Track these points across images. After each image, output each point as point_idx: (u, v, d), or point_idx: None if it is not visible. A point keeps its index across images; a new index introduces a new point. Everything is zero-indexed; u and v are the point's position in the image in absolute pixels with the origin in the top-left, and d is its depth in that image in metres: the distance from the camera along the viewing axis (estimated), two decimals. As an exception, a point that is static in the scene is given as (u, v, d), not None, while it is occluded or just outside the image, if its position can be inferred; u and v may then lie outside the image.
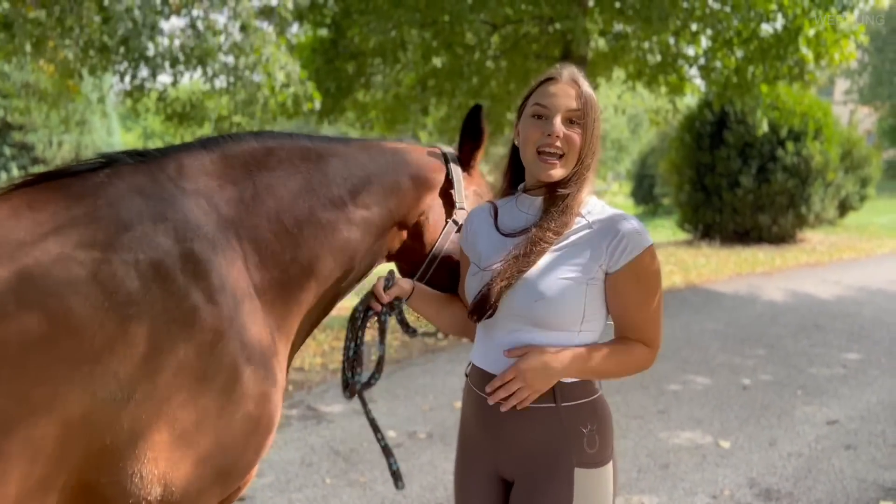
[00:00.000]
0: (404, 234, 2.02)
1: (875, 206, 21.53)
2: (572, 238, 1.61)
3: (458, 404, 5.02)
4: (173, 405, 1.43)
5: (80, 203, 1.49)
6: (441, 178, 2.02)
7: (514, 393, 1.61)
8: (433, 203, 2.02)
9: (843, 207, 16.25)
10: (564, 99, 1.61)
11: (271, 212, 1.70)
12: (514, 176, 1.80)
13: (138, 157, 1.64)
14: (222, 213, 1.64)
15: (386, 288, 1.83)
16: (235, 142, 1.76)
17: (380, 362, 1.91)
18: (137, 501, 1.43)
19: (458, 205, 2.01)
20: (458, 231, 2.01)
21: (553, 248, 1.60)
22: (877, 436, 4.52)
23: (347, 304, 2.19)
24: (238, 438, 1.54)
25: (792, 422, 4.76)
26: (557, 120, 1.60)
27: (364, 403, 1.93)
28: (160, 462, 1.43)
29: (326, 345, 6.70)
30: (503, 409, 1.62)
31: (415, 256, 2.07)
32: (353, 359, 1.89)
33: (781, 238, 14.57)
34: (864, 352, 6.52)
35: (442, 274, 2.01)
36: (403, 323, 1.92)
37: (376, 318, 1.86)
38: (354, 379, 1.90)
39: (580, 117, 1.61)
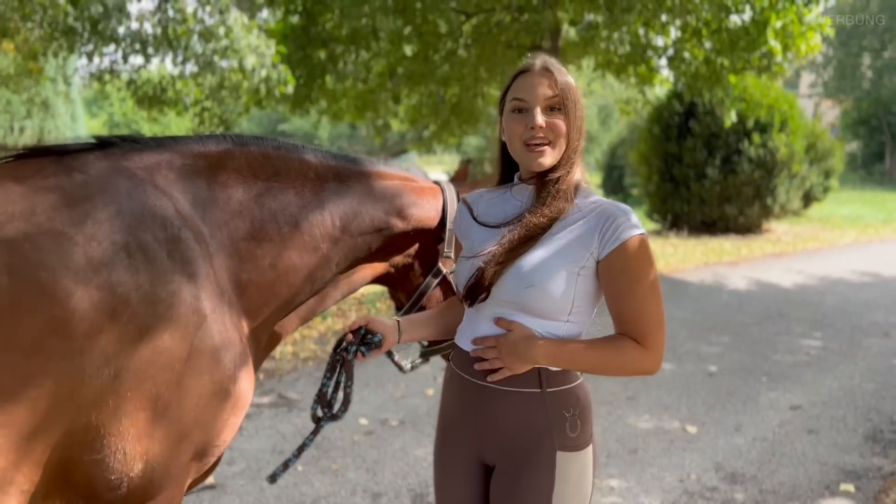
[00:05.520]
0: (390, 269, 2.10)
1: (838, 197, 21.98)
2: (567, 228, 1.61)
3: (430, 391, 5.04)
4: (158, 383, 1.45)
5: (70, 181, 1.51)
6: (434, 223, 2.08)
7: (490, 361, 1.63)
8: (421, 246, 2.10)
9: (808, 199, 16.56)
10: (540, 89, 1.61)
11: (256, 219, 1.74)
12: (507, 170, 1.79)
13: (133, 143, 1.68)
14: (210, 210, 1.68)
15: (366, 339, 1.85)
16: (236, 144, 1.79)
17: (335, 393, 1.92)
18: (119, 478, 1.44)
19: (444, 253, 2.08)
20: (440, 282, 2.09)
21: (547, 236, 1.60)
22: (838, 420, 4.64)
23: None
24: (215, 416, 1.56)
25: (757, 407, 4.86)
26: (537, 111, 1.60)
27: (314, 431, 1.97)
28: (143, 439, 1.45)
29: (297, 333, 6.67)
30: (477, 367, 1.64)
31: (401, 290, 2.16)
32: (323, 393, 1.92)
33: (747, 228, 14.82)
34: (826, 339, 6.68)
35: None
36: (388, 356, 2.05)
37: (346, 351, 1.88)
38: (320, 412, 1.93)
39: (559, 103, 1.61)
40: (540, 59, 1.66)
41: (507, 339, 1.60)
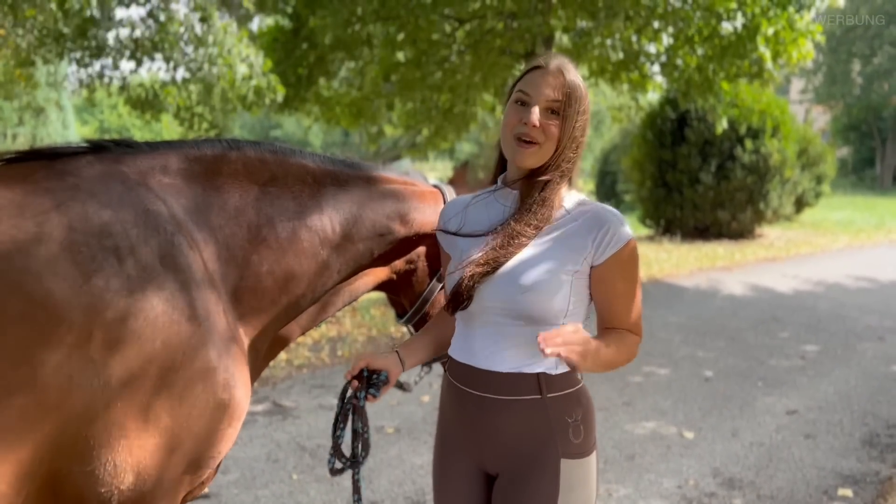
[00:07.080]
0: (392, 275, 2.06)
1: (830, 202, 22.11)
2: (557, 231, 1.60)
3: (426, 398, 5.01)
4: (148, 392, 1.41)
5: (62, 185, 1.48)
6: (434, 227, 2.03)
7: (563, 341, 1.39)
8: (423, 252, 2.06)
9: (800, 204, 16.66)
10: (547, 88, 1.59)
11: (252, 224, 1.70)
12: (504, 166, 1.76)
13: (126, 147, 1.64)
14: (205, 215, 1.64)
15: (372, 380, 1.76)
16: (232, 148, 1.76)
17: (356, 442, 1.81)
18: (110, 491, 1.41)
19: None
20: (443, 286, 2.04)
21: (537, 240, 1.59)
22: (834, 425, 4.63)
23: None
24: (209, 426, 1.52)
25: (753, 412, 4.85)
26: (535, 109, 1.58)
27: (356, 488, 1.83)
28: (134, 450, 1.41)
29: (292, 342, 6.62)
30: (545, 348, 1.39)
31: (403, 297, 2.13)
32: (338, 446, 1.81)
33: (740, 233, 14.88)
34: (821, 343, 6.68)
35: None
36: (399, 386, 2.01)
37: (356, 398, 1.78)
38: (334, 463, 1.83)
39: (561, 108, 1.59)
40: (557, 60, 1.64)
41: (579, 331, 1.41)
